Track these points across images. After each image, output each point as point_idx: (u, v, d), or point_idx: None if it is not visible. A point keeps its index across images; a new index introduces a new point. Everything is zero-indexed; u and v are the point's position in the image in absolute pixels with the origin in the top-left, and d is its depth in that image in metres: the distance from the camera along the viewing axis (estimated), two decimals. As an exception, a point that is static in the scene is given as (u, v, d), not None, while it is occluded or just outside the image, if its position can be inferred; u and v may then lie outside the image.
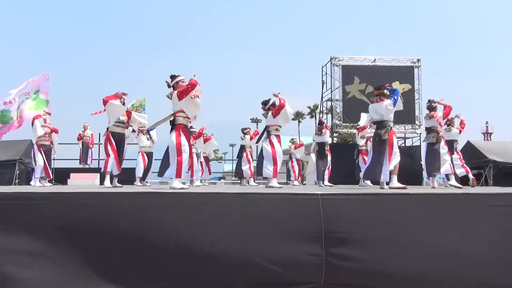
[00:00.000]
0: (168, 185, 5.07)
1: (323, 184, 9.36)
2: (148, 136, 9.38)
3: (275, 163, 6.30)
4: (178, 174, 4.80)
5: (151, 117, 7.73)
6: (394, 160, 5.74)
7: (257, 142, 7.68)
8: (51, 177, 8.94)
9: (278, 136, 6.47)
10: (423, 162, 7.45)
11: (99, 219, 3.57)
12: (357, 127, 9.87)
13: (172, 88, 5.09)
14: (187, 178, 9.02)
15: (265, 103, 6.78)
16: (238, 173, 10.37)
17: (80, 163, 12.57)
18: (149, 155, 9.41)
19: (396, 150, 5.81)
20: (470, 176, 8.82)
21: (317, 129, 10.02)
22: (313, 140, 10.19)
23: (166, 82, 5.10)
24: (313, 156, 10.89)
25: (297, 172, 12.32)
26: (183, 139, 4.85)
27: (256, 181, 10.42)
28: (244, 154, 10.15)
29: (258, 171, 7.41)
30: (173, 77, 5.10)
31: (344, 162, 9.71)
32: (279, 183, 7.35)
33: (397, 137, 6.04)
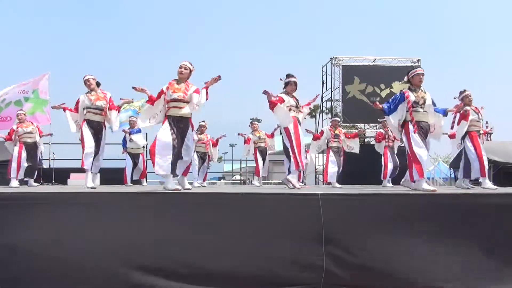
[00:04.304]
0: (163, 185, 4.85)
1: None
2: (130, 137, 9.19)
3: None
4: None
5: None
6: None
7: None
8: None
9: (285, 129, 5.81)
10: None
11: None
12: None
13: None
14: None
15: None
16: None
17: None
18: (135, 156, 9.34)
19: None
20: None
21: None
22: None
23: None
24: (312, 156, 10.76)
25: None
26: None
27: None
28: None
29: None
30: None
31: (347, 162, 9.65)
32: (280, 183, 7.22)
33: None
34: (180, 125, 4.74)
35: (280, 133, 5.98)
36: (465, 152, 6.57)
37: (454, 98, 6.63)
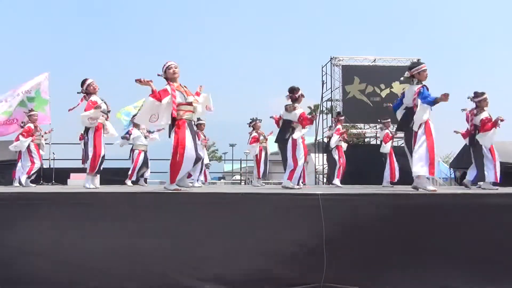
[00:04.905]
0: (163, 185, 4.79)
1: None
2: (147, 133, 9.06)
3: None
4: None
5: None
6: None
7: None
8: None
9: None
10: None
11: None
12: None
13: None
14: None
15: (293, 90, 6.01)
16: None
17: (83, 163, 12.52)
18: (146, 153, 9.25)
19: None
20: None
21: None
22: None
23: (159, 75, 4.64)
24: (312, 156, 10.76)
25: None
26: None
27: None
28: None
29: None
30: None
31: (349, 162, 9.65)
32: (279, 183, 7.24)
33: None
34: (192, 129, 4.64)
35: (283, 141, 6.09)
36: (476, 156, 6.49)
37: (468, 97, 6.40)
